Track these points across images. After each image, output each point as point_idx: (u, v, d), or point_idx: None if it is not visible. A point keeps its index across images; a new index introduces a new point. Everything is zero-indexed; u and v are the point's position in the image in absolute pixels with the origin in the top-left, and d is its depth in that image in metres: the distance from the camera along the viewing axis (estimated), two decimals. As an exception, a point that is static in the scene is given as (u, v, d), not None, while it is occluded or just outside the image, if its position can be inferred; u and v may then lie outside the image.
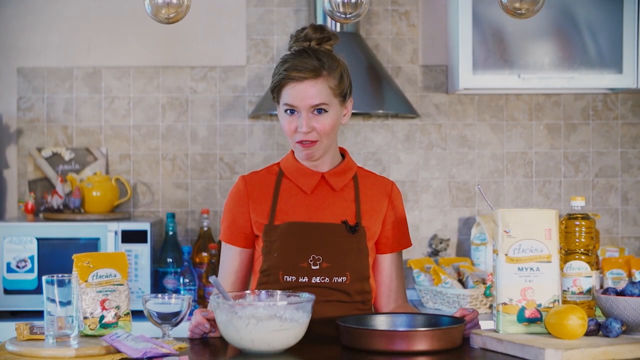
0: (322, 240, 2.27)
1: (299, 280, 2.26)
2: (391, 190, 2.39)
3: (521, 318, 2.01)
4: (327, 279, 2.26)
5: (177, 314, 2.07)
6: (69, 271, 2.06)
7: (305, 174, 2.35)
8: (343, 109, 2.33)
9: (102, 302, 2.07)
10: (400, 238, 2.39)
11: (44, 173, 3.78)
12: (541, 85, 3.53)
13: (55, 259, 3.31)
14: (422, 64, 3.85)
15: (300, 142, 2.28)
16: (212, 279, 2.04)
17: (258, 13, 3.83)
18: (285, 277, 2.26)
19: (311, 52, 2.29)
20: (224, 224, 2.38)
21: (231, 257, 2.37)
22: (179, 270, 3.48)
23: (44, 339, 1.98)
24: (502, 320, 2.02)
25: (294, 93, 2.26)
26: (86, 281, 2.06)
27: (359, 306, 2.30)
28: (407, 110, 3.60)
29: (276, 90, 2.31)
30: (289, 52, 2.34)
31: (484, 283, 3.34)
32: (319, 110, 2.27)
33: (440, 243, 3.79)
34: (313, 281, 2.25)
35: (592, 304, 2.11)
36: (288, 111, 2.28)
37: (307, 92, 2.25)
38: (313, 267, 2.26)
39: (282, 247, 2.27)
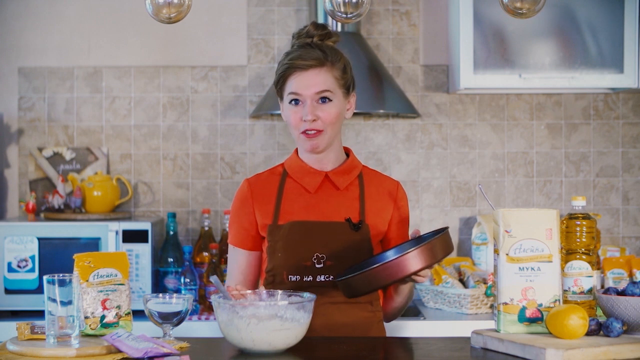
0: (325, 239, 2.26)
1: (304, 279, 2.25)
2: (397, 190, 2.39)
3: (522, 318, 2.01)
4: (331, 277, 2.25)
5: (178, 313, 2.07)
6: (70, 271, 2.06)
7: (309, 173, 2.34)
8: (346, 102, 2.34)
9: (103, 301, 2.07)
10: (404, 239, 2.38)
11: (44, 173, 3.78)
12: (542, 85, 3.53)
13: (56, 258, 3.31)
14: (422, 64, 3.85)
15: (305, 132, 2.28)
16: (213, 278, 2.04)
17: (259, 13, 3.83)
18: (290, 276, 2.25)
19: (314, 45, 2.31)
20: (232, 227, 2.38)
21: (239, 260, 2.37)
22: (179, 270, 3.48)
23: (44, 339, 1.98)
24: (503, 320, 2.01)
25: (298, 81, 2.27)
26: (87, 281, 2.06)
27: (367, 307, 2.29)
28: (407, 110, 3.60)
29: (281, 81, 2.31)
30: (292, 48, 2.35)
31: (485, 283, 3.34)
32: (323, 99, 2.28)
33: (441, 243, 3.78)
34: (318, 280, 2.25)
35: (593, 303, 2.11)
36: (293, 102, 2.29)
37: (311, 79, 2.27)
38: (317, 266, 2.25)
39: (286, 247, 2.26)
